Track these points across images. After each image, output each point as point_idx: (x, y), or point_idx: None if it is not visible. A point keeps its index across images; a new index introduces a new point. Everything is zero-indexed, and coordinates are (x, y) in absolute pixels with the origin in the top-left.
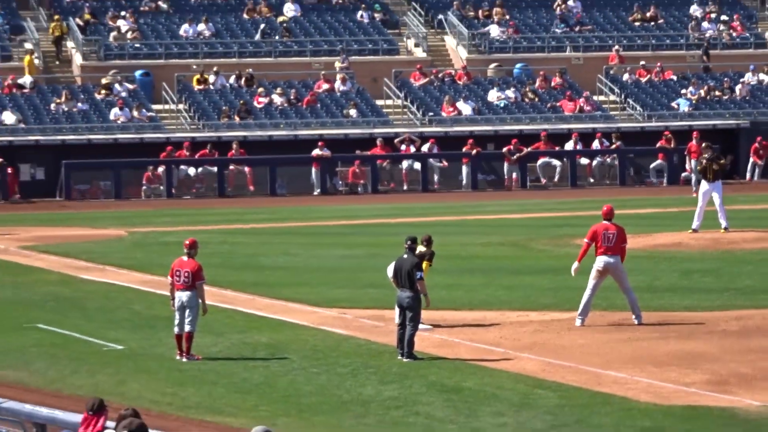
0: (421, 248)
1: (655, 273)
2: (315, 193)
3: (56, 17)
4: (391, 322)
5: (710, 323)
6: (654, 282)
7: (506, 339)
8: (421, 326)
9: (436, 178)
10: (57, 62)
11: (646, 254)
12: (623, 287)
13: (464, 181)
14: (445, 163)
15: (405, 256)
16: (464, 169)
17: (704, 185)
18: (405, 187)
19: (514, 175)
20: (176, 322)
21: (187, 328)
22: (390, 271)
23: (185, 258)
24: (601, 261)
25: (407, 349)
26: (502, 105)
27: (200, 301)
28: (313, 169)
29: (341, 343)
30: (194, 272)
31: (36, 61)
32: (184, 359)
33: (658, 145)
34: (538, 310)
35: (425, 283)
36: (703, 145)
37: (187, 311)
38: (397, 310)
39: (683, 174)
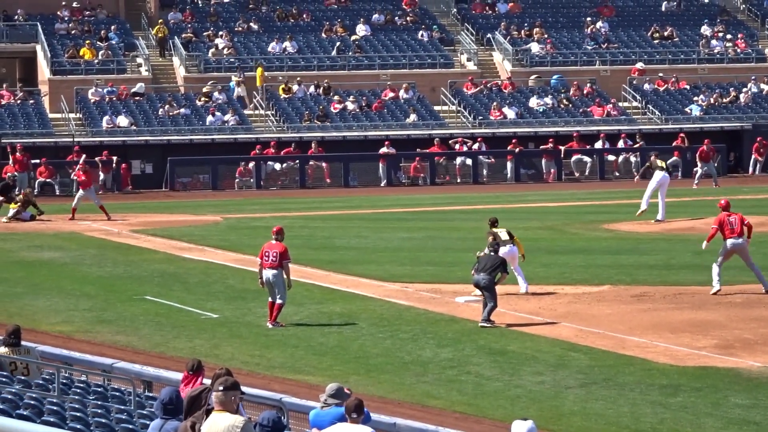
0: (502, 233)
1: (671, 253)
2: (382, 184)
3: (159, 21)
4: (446, 295)
5: (718, 296)
6: (670, 260)
7: (544, 309)
8: (471, 297)
9: (484, 172)
10: (160, 59)
11: (663, 237)
12: (749, 263)
13: (509, 175)
14: (492, 160)
15: (487, 251)
16: (509, 165)
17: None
18: (458, 180)
19: (552, 169)
20: (269, 292)
21: (278, 300)
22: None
23: (273, 241)
24: (729, 243)
25: (485, 316)
26: (541, 110)
27: (286, 277)
28: (380, 165)
29: (403, 312)
30: (281, 252)
31: (145, 73)
32: (270, 325)
33: (674, 144)
34: (571, 284)
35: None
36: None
37: (277, 287)
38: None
39: (695, 169)
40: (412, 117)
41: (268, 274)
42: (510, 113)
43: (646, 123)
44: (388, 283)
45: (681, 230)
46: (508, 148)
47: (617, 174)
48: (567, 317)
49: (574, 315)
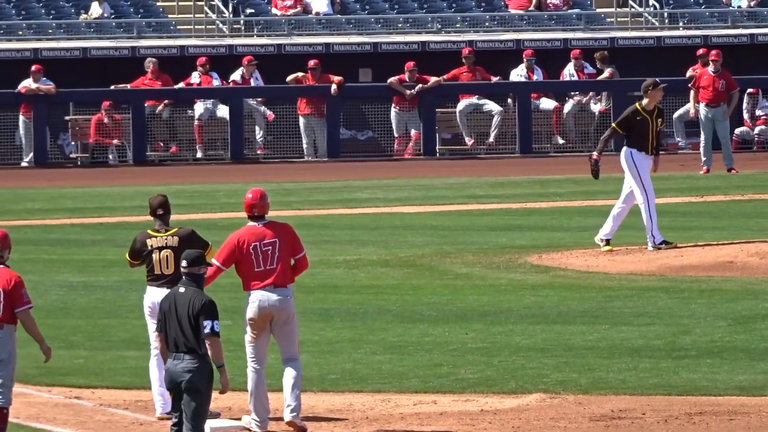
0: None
1: (682, 319)
2: (24, 163)
3: None
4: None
5: None
6: (679, 338)
7: None
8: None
9: (259, 136)
10: None
11: (660, 282)
12: None
13: (307, 143)
14: (270, 116)
15: (181, 289)
16: (310, 121)
17: None
18: (199, 154)
19: (412, 130)
20: None
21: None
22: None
23: None
24: None
25: None
26: None
27: (35, 339)
28: (22, 119)
29: None
30: (9, 291)
31: None
32: None
33: (689, 73)
34: (454, 391)
35: (221, 343)
36: None
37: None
38: (164, 395)
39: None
40: None
41: None
42: (319, 5)
43: (633, 26)
44: (32, 388)
45: (706, 268)
46: (306, 79)
47: (561, 141)
48: None
49: None
